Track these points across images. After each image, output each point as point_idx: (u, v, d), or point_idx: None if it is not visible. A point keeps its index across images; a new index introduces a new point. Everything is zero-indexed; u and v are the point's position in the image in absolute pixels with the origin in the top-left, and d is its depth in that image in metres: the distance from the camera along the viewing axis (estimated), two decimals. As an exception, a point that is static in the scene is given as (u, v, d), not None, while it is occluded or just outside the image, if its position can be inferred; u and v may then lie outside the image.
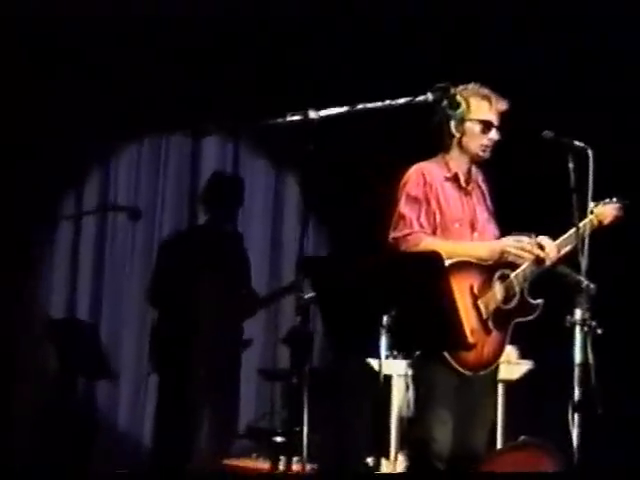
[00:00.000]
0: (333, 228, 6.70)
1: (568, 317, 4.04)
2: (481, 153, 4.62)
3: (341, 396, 5.43)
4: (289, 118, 3.77)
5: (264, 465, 5.65)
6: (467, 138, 4.59)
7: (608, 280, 4.09)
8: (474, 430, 4.59)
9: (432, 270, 3.68)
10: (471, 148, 4.60)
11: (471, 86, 4.50)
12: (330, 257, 4.14)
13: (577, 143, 4.30)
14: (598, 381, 3.94)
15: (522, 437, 5.53)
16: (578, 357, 4.00)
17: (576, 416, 3.96)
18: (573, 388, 3.98)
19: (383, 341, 3.88)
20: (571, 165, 4.25)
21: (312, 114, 3.77)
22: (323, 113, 3.78)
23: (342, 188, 6.26)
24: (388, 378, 5.80)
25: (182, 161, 7.15)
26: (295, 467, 5.39)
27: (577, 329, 4.02)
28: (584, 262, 4.13)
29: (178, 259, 6.47)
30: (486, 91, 4.59)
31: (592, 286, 4.03)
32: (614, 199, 4.73)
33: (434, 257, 3.72)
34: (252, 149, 6.95)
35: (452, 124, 4.56)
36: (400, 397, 5.81)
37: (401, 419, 5.82)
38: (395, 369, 5.73)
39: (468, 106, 4.42)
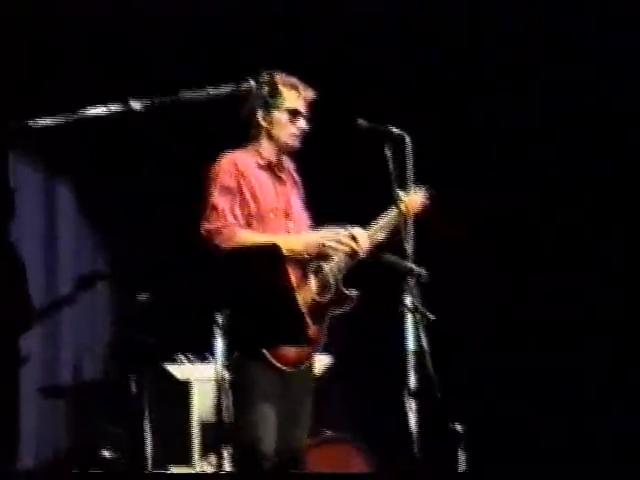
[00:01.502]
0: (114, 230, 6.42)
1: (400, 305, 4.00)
2: (290, 142, 4.55)
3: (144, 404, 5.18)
4: (109, 108, 3.54)
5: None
6: (275, 128, 4.52)
7: (438, 266, 4.05)
8: (296, 426, 4.52)
9: (271, 264, 3.54)
10: (280, 137, 4.53)
11: (278, 75, 4.40)
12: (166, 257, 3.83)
13: (394, 130, 4.27)
14: (435, 367, 3.92)
15: (327, 432, 5.58)
16: (411, 344, 3.97)
17: (413, 403, 3.91)
18: (408, 376, 3.93)
19: (218, 342, 3.70)
20: (388, 152, 4.22)
21: (134, 104, 3.57)
22: (146, 103, 3.58)
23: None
24: (186, 383, 5.74)
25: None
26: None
27: (409, 316, 3.99)
28: (409, 248, 4.10)
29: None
30: (293, 80, 4.52)
31: (423, 272, 4.01)
32: (422, 188, 4.75)
33: (273, 250, 3.57)
34: (23, 154, 6.51)
35: (259, 114, 4.47)
36: (202, 402, 5.72)
37: (203, 425, 5.73)
38: (194, 374, 5.71)
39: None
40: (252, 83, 3.84)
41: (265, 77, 4.00)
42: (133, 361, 5.09)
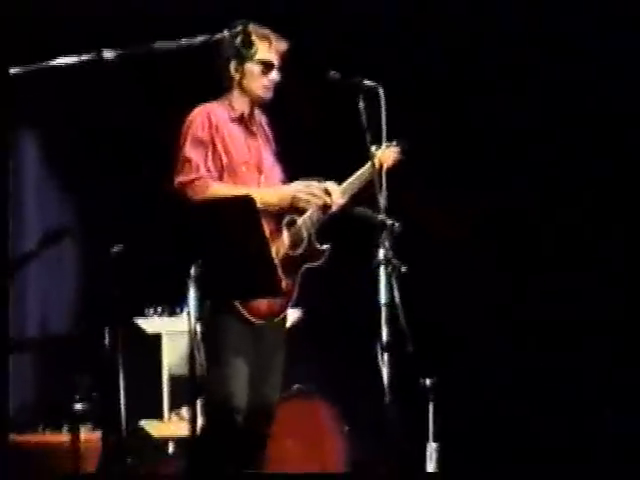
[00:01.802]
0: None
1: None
2: (262, 94, 4.51)
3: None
4: (81, 57, 3.48)
5: (54, 437, 5.37)
6: (247, 79, 4.47)
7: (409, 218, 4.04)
8: (268, 380, 4.50)
9: (245, 215, 3.52)
10: (252, 89, 4.49)
11: (252, 26, 4.35)
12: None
13: (367, 82, 4.23)
14: (406, 320, 3.91)
15: (296, 385, 5.59)
16: (384, 297, 3.96)
17: (385, 356, 3.91)
18: (380, 328, 3.93)
19: (191, 293, 3.68)
20: (361, 105, 4.18)
21: (107, 53, 3.51)
22: (119, 52, 3.52)
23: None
24: (157, 337, 5.72)
25: None
26: (84, 436, 5.19)
27: (381, 269, 3.98)
28: (382, 201, 4.09)
29: None
30: (266, 31, 4.47)
31: (397, 224, 4.00)
32: (394, 142, 4.73)
33: (247, 201, 3.55)
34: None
35: (232, 65, 4.43)
36: (172, 356, 5.71)
37: (173, 379, 5.74)
38: (164, 326, 5.73)
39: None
40: (225, 33, 3.79)
41: (238, 28, 3.96)
42: (105, 315, 5.05)
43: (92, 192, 6.17)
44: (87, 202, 6.30)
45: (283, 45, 4.50)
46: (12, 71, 3.37)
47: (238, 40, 4.05)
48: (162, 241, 3.67)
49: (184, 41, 3.67)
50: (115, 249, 3.67)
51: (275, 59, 4.49)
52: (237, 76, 4.46)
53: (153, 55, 3.60)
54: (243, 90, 4.49)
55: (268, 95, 4.52)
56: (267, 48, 4.46)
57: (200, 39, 3.71)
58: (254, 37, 4.30)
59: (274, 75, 4.50)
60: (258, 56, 4.42)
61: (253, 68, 4.45)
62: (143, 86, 5.72)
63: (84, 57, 3.49)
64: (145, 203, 4.25)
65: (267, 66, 4.47)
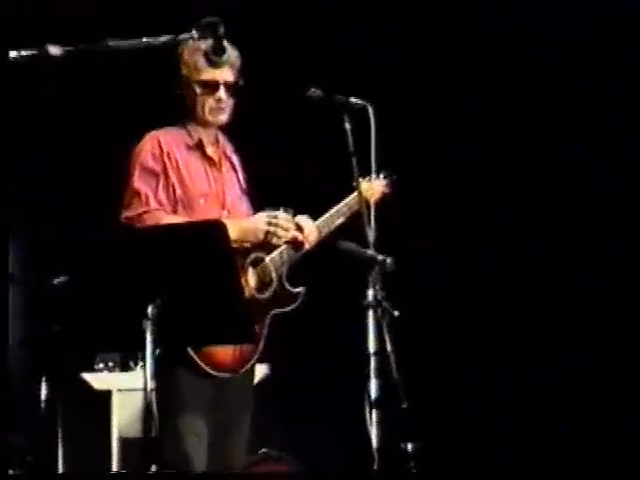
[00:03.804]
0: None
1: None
2: (211, 118, 3.95)
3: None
4: (21, 53, 2.94)
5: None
6: (191, 101, 3.93)
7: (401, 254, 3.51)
8: (232, 442, 3.98)
9: (215, 242, 2.95)
10: (198, 112, 3.94)
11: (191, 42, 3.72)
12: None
13: (354, 100, 3.72)
14: (400, 371, 3.37)
15: (262, 450, 5.06)
16: (373, 345, 3.41)
17: (374, 413, 3.36)
18: (368, 381, 3.38)
19: (148, 337, 3.11)
20: (347, 126, 3.67)
21: (52, 49, 2.98)
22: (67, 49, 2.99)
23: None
24: (106, 394, 5.26)
25: None
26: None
27: (370, 312, 3.44)
28: (371, 235, 3.55)
29: None
30: (206, 44, 3.81)
31: (389, 260, 3.45)
32: (381, 174, 4.27)
33: (216, 227, 2.99)
34: None
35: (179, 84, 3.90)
36: (122, 414, 5.19)
37: (123, 440, 5.21)
38: (114, 383, 5.27)
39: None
40: (194, 33, 3.22)
41: (212, 25, 3.35)
42: (43, 363, 4.47)
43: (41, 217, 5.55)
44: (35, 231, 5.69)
45: (234, 57, 3.91)
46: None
47: (209, 44, 3.48)
48: (114, 273, 3.10)
49: (142, 40, 3.12)
50: (57, 280, 3.07)
51: (223, 76, 3.90)
52: (185, 97, 3.93)
53: (105, 55, 3.05)
54: (194, 114, 3.95)
55: (220, 118, 3.97)
56: (207, 65, 3.87)
57: (163, 39, 3.15)
58: (187, 54, 3.80)
59: (221, 95, 3.92)
60: (195, 76, 3.88)
61: (195, 88, 3.91)
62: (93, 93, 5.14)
63: (24, 53, 2.95)
64: (94, 229, 3.65)
65: (208, 86, 3.91)
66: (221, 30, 3.29)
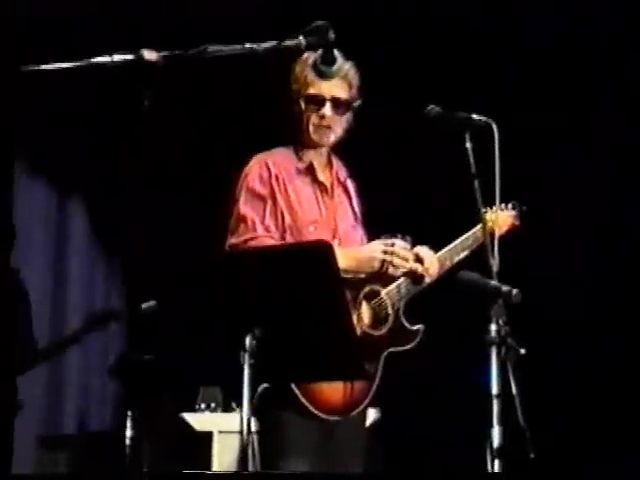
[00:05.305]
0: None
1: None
2: (315, 137, 3.71)
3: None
4: (116, 58, 2.71)
5: None
6: (295, 118, 3.70)
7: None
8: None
9: (322, 267, 2.65)
10: (303, 131, 3.71)
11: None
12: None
13: (476, 117, 3.39)
14: (525, 416, 3.00)
15: None
16: (495, 387, 3.06)
17: (496, 463, 3.00)
18: (490, 427, 3.02)
19: (246, 370, 2.82)
20: (469, 145, 3.34)
21: (147, 54, 2.74)
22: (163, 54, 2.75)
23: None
24: (206, 435, 5.14)
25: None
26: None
27: (493, 350, 3.08)
28: (495, 266, 3.21)
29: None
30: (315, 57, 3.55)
31: (515, 292, 3.10)
32: (510, 205, 3.99)
33: (324, 249, 2.69)
34: (28, 167, 5.76)
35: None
36: (223, 457, 5.10)
37: None
38: (216, 424, 5.11)
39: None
40: (302, 39, 2.93)
41: (322, 30, 3.07)
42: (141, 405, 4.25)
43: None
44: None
45: (349, 71, 3.67)
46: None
47: (319, 52, 3.22)
48: (209, 299, 2.82)
49: (245, 46, 2.85)
50: (146, 305, 2.80)
51: (331, 91, 3.66)
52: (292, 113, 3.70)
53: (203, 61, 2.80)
54: (305, 133, 3.71)
55: (326, 139, 3.71)
56: (316, 79, 3.63)
57: (267, 45, 2.87)
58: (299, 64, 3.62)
59: (326, 111, 3.67)
60: (304, 90, 3.67)
61: (301, 103, 3.68)
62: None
63: (121, 57, 2.71)
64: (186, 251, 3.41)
65: (313, 101, 3.67)
66: (331, 36, 2.99)
